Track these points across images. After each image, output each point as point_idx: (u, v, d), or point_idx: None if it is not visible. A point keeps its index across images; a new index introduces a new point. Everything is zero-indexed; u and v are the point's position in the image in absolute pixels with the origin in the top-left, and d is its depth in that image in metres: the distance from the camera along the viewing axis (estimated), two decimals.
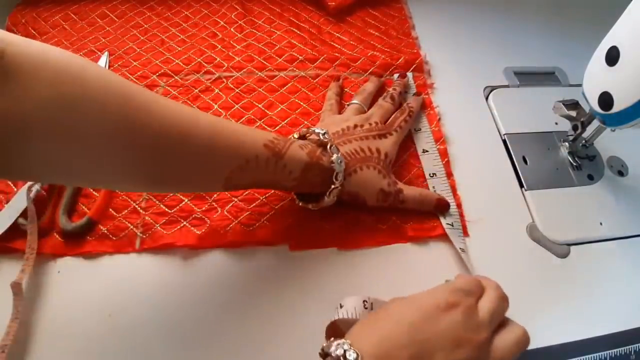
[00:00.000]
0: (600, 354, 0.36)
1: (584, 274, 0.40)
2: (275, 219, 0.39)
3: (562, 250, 0.41)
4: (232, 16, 0.54)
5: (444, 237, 0.40)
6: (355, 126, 0.40)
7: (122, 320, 0.34)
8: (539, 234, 0.42)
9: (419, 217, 0.41)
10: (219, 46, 0.51)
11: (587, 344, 0.36)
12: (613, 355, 0.36)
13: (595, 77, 0.39)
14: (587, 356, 0.36)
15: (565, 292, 0.39)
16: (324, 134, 0.36)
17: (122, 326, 0.34)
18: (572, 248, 0.41)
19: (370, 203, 0.38)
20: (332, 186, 0.35)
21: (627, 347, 0.37)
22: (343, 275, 0.38)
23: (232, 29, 0.53)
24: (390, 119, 0.43)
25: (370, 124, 0.41)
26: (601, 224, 0.43)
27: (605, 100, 0.37)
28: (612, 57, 0.36)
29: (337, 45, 0.53)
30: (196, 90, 0.47)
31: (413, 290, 0.37)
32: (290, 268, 0.37)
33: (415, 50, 0.53)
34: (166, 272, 0.37)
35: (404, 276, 0.38)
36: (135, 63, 0.48)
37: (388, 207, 0.39)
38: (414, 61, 0.51)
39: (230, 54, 0.50)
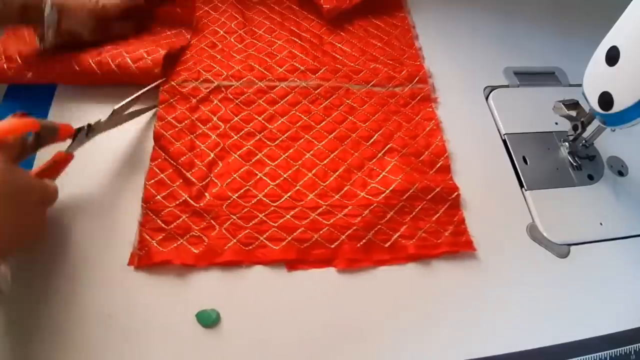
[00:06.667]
0: (600, 354, 0.36)
1: (584, 274, 0.40)
2: (274, 237, 0.39)
3: (562, 250, 0.41)
4: (232, 25, 0.53)
5: (448, 255, 0.39)
6: None
7: (122, 321, 0.34)
8: (539, 234, 0.42)
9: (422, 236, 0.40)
10: (219, 56, 0.49)
11: (587, 344, 0.37)
12: (613, 355, 0.36)
13: (595, 77, 0.39)
14: (587, 356, 0.36)
15: (565, 292, 0.39)
16: None
17: (122, 327, 0.34)
18: (572, 248, 0.41)
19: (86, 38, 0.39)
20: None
21: (627, 347, 0.37)
22: (341, 296, 0.37)
23: (232, 39, 0.51)
24: None
25: None
26: (601, 224, 0.43)
27: (605, 100, 0.37)
28: (612, 57, 0.36)
29: (338, 57, 0.51)
30: (194, 100, 0.45)
31: (414, 313, 0.37)
32: (287, 288, 0.37)
33: (418, 63, 0.52)
34: (162, 289, 0.36)
35: (405, 298, 0.37)
36: None
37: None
38: (417, 73, 0.50)
39: (230, 63, 0.49)
